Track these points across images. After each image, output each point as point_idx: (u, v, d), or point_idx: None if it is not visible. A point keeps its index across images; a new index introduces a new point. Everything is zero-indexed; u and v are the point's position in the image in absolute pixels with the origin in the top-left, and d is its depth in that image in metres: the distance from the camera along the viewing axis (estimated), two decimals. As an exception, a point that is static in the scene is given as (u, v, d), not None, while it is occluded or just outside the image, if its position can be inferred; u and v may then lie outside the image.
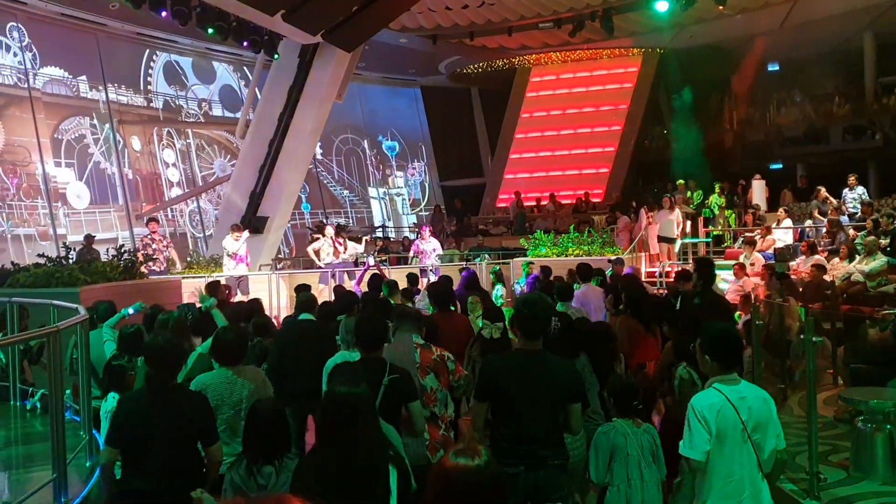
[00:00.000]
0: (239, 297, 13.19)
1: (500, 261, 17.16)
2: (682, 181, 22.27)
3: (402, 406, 4.64)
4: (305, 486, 3.32)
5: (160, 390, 4.42)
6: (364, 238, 18.82)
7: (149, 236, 14.78)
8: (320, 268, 15.71)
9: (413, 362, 5.11)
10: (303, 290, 8.46)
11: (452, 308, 7.90)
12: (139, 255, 12.66)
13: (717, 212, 19.37)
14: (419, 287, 12.14)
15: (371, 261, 15.08)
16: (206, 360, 5.60)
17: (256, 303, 9.00)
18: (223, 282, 12.79)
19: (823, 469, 4.81)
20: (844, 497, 4.65)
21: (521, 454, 4.24)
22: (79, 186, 20.53)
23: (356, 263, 16.15)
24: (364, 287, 10.20)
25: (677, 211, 17.05)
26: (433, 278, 14.10)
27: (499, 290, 13.19)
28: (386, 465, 3.40)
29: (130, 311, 7.52)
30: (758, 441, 3.90)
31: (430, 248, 16.44)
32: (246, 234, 15.53)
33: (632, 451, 4.60)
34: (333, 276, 15.17)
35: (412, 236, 23.87)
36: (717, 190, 19.90)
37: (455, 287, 10.29)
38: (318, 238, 16.48)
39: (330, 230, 16.46)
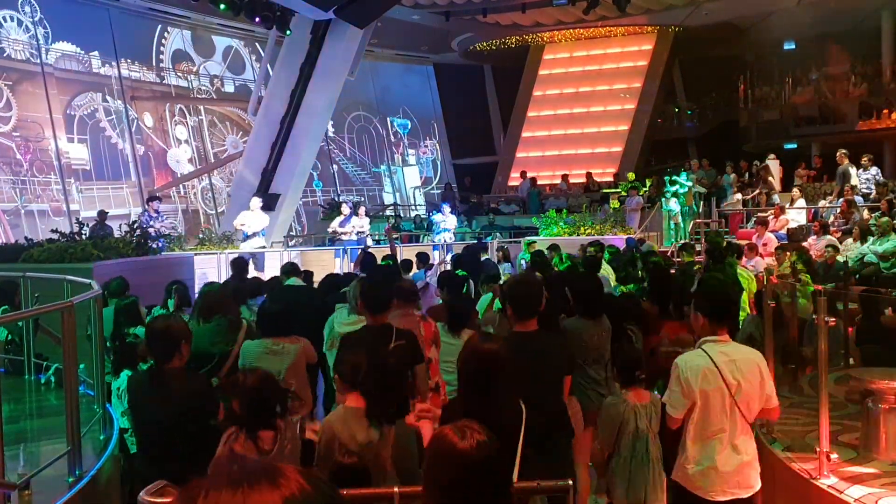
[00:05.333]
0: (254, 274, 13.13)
1: (512, 240, 17.16)
2: (695, 160, 22.19)
3: (411, 367, 4.70)
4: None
5: (159, 373, 4.40)
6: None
7: (146, 214, 14.51)
8: (335, 244, 15.88)
9: (419, 335, 5.17)
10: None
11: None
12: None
13: (730, 190, 19.21)
14: (431, 263, 12.19)
15: (369, 241, 15.22)
16: None
17: (275, 280, 9.02)
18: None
19: (833, 449, 4.81)
20: (854, 476, 4.65)
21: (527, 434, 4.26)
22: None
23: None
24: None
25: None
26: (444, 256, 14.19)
27: (506, 269, 13.21)
28: (520, 410, 3.67)
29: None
30: (745, 402, 3.94)
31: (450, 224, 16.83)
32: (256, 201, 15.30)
33: (641, 426, 4.62)
34: (346, 252, 15.24)
35: (424, 214, 23.88)
36: (728, 168, 19.80)
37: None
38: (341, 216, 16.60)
39: (345, 208, 16.58)
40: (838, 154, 18.04)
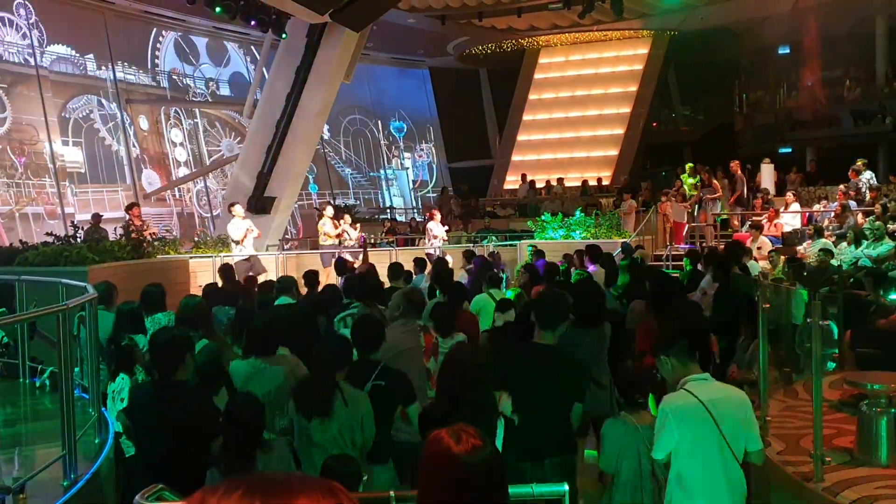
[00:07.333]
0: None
1: (507, 243, 17.17)
2: (690, 164, 22.16)
3: (394, 409, 4.65)
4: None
5: (163, 386, 4.37)
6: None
7: (129, 220, 14.26)
8: (326, 248, 15.72)
9: (419, 346, 5.17)
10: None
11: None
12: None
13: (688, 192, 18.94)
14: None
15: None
16: None
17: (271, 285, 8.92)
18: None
19: (827, 452, 4.82)
20: (848, 479, 4.66)
21: (527, 448, 4.25)
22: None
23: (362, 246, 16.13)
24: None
25: None
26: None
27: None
28: (494, 423, 3.68)
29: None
30: (733, 442, 3.94)
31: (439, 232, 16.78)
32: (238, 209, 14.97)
33: (641, 448, 4.56)
34: (335, 257, 15.13)
35: (419, 218, 23.88)
36: (687, 170, 19.63)
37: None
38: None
39: (329, 210, 16.46)
40: (731, 164, 18.31)
